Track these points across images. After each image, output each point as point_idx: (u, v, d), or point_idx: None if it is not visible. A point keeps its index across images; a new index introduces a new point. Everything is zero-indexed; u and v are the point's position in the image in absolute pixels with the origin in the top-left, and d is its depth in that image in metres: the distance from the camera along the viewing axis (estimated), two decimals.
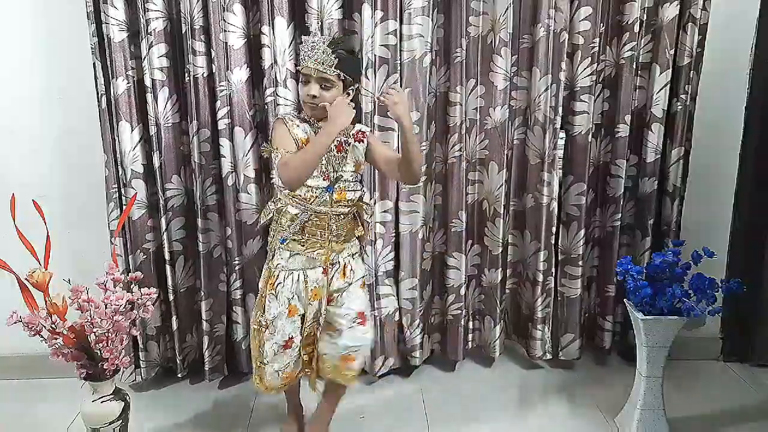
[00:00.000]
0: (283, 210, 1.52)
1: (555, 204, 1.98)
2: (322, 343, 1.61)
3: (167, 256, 1.93)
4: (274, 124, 1.55)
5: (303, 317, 1.57)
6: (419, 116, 1.87)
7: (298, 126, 1.51)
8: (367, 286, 1.67)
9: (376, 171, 1.87)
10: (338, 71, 1.44)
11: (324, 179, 1.50)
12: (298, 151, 1.45)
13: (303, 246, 1.52)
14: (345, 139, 1.52)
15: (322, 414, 1.71)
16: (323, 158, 1.47)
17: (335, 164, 1.51)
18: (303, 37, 1.59)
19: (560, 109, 1.91)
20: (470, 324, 2.16)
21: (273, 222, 1.56)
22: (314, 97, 1.45)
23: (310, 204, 1.49)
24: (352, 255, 1.60)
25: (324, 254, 1.52)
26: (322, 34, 1.56)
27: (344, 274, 1.58)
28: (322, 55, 1.43)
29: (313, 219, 1.50)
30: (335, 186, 1.50)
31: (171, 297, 1.96)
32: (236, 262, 1.94)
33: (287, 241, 1.51)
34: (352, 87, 1.49)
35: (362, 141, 1.56)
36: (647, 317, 1.65)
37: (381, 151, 1.58)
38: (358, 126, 1.58)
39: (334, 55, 1.43)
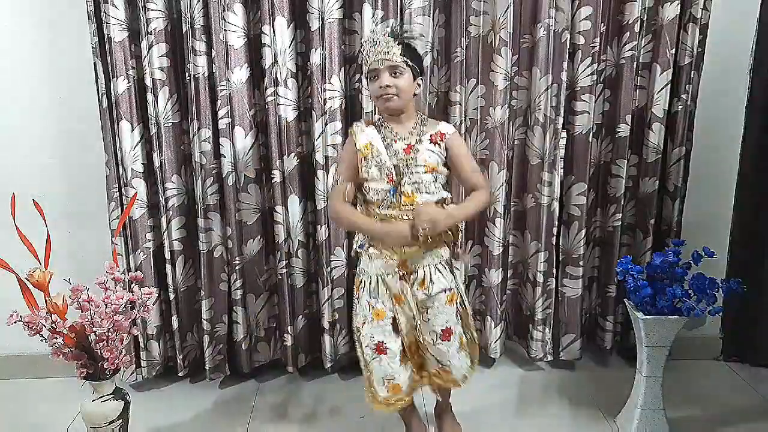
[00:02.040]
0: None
1: (556, 204, 1.97)
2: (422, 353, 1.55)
3: (167, 256, 1.93)
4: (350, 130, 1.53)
5: (395, 321, 1.50)
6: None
7: (363, 131, 1.47)
8: (459, 298, 1.54)
9: None
10: (405, 58, 1.41)
11: (388, 181, 1.44)
12: (347, 208, 1.46)
13: (379, 251, 1.48)
14: (417, 139, 1.46)
15: (442, 409, 1.73)
16: (390, 158, 1.44)
17: (402, 166, 1.44)
18: (362, 40, 1.57)
19: (562, 110, 1.90)
20: None
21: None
22: (387, 86, 1.39)
23: (378, 208, 1.46)
24: (436, 265, 1.50)
25: (397, 259, 1.47)
26: (375, 30, 1.54)
27: (423, 284, 1.49)
28: (385, 46, 1.40)
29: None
30: (399, 188, 1.44)
31: (171, 296, 1.96)
32: (236, 261, 1.94)
33: (365, 246, 1.49)
34: (421, 78, 1.48)
35: (438, 144, 1.47)
36: (647, 317, 1.65)
37: (456, 165, 1.50)
38: (441, 126, 1.50)
39: (396, 42, 1.41)
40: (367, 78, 1.46)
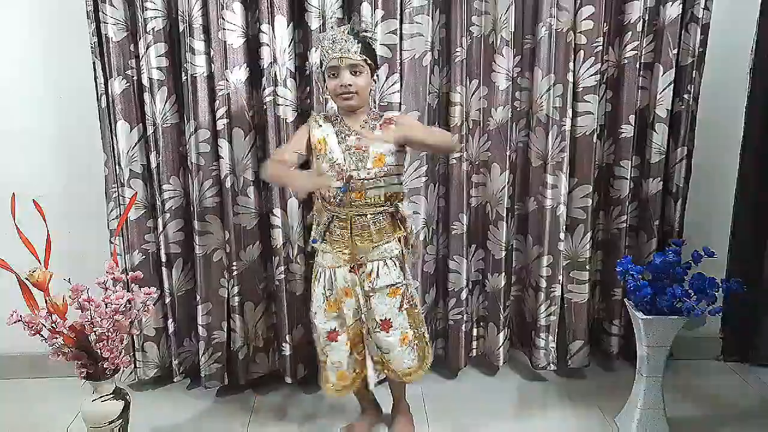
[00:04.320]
0: (317, 212, 1.59)
1: (563, 208, 1.94)
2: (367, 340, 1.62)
3: (164, 259, 1.91)
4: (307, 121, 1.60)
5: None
6: (419, 116, 1.86)
7: (320, 126, 1.54)
8: (402, 295, 1.58)
9: None
10: (364, 56, 1.46)
11: (338, 178, 1.49)
12: (280, 162, 1.51)
13: (331, 246, 1.54)
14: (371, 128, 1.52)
15: (396, 405, 1.80)
16: (341, 155, 1.49)
17: (351, 162, 1.49)
18: (319, 35, 1.59)
19: (569, 111, 1.88)
20: (474, 331, 2.14)
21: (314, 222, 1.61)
22: (349, 85, 1.45)
23: (330, 206, 1.52)
24: (386, 259, 1.55)
25: (348, 254, 1.52)
26: (334, 27, 1.56)
27: (370, 277, 1.55)
28: (345, 44, 1.44)
29: (336, 220, 1.52)
30: (349, 185, 1.48)
31: (168, 300, 1.95)
32: (234, 267, 1.91)
33: (318, 242, 1.55)
34: (377, 73, 1.55)
35: (387, 131, 1.52)
36: (647, 317, 1.65)
37: (413, 135, 1.52)
38: (386, 113, 1.58)
39: (357, 41, 1.44)
40: (324, 74, 1.50)
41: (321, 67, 1.51)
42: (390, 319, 1.57)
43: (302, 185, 1.41)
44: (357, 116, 1.53)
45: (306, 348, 2.00)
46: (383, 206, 1.52)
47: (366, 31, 1.53)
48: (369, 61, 1.47)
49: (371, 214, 1.51)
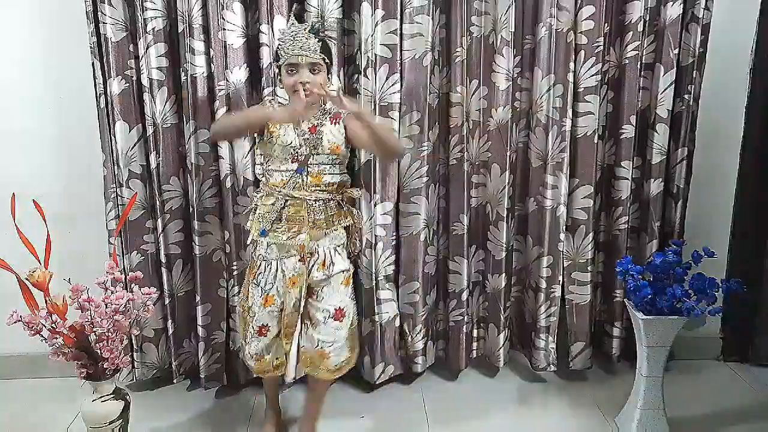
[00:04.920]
0: (263, 200, 1.55)
1: (563, 208, 1.94)
2: (302, 335, 1.61)
3: (163, 259, 1.91)
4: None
5: (283, 307, 1.59)
6: (419, 116, 1.87)
7: (274, 109, 1.56)
8: (352, 282, 1.64)
9: (376, 173, 1.86)
10: (323, 55, 1.49)
11: (293, 161, 1.51)
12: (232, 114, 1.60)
13: (284, 235, 1.52)
14: (319, 121, 1.54)
15: (309, 413, 1.74)
16: (295, 140, 1.51)
17: (307, 146, 1.52)
18: (280, 29, 1.60)
19: (569, 111, 1.88)
20: (474, 332, 2.13)
21: (252, 214, 1.59)
22: (307, 82, 1.47)
23: (284, 189, 1.51)
24: (335, 246, 1.59)
25: (303, 239, 1.52)
26: (294, 24, 1.56)
27: (324, 265, 1.57)
28: (307, 41, 1.47)
29: (289, 206, 1.52)
30: (306, 168, 1.51)
31: (167, 301, 1.95)
32: (234, 267, 1.92)
33: (268, 233, 1.52)
34: (331, 73, 1.58)
35: (337, 123, 1.56)
36: (647, 317, 1.65)
37: (358, 133, 1.56)
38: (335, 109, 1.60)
39: (317, 39, 1.48)
40: (281, 69, 1.52)
41: (277, 61, 1.53)
42: (344, 308, 1.59)
43: (282, 116, 1.47)
44: (310, 110, 1.55)
45: None
46: (334, 193, 1.56)
47: (326, 31, 1.57)
48: (327, 60, 1.51)
49: (323, 200, 1.53)
